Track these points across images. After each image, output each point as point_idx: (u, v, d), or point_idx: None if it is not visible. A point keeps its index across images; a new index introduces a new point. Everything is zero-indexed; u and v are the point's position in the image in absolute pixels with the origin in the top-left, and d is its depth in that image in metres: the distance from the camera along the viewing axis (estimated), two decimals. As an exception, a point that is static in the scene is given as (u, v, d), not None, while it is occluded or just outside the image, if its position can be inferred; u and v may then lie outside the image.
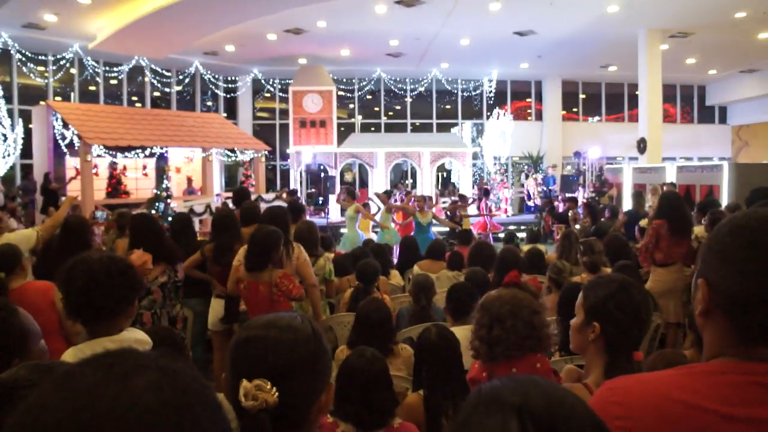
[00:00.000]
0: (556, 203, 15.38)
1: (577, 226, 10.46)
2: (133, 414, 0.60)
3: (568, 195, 15.88)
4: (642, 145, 17.22)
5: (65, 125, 14.97)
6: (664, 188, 11.25)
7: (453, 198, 15.48)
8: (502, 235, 12.08)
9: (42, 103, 16.74)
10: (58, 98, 18.44)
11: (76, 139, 14.77)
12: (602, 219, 10.73)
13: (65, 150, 15.32)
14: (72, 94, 19.00)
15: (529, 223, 17.05)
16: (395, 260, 7.68)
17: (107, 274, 2.33)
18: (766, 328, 1.06)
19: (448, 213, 12.67)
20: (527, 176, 21.18)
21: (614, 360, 2.00)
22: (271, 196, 16.15)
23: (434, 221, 10.56)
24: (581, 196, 16.77)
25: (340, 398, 2.48)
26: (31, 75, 17.64)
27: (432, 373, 2.95)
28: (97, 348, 2.22)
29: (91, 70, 18.71)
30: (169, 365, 0.67)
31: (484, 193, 14.82)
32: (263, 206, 6.21)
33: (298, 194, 15.92)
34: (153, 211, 12.72)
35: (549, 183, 20.39)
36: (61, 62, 17.99)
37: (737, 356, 1.08)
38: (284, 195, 14.72)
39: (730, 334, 1.10)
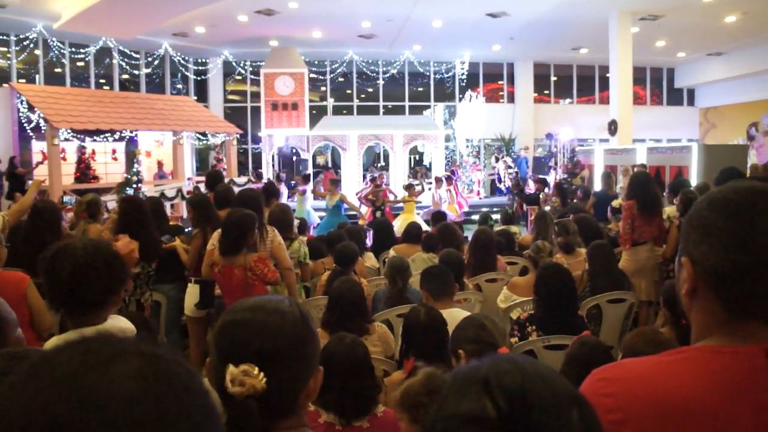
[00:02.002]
0: (526, 188, 15.48)
1: (548, 207, 10.56)
2: (114, 403, 0.55)
3: (538, 176, 16.00)
4: (613, 127, 17.38)
5: (30, 108, 14.61)
6: (635, 169, 11.38)
7: (426, 180, 15.54)
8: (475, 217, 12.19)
9: (5, 85, 16.30)
10: (22, 80, 17.98)
11: (42, 123, 14.43)
12: (574, 200, 10.84)
13: (31, 134, 14.97)
14: (37, 76, 18.51)
15: (500, 205, 17.15)
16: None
17: (93, 264, 2.23)
18: (752, 300, 1.05)
19: (370, 197, 12.84)
20: (497, 159, 21.28)
21: None
22: (243, 179, 16.01)
23: (345, 205, 11.31)
24: (553, 177, 16.89)
25: (320, 386, 2.46)
26: (-7, 56, 17.18)
27: (420, 353, 2.96)
28: None
29: (56, 52, 18.23)
30: (151, 351, 0.63)
31: (439, 180, 14.81)
32: (236, 190, 6.14)
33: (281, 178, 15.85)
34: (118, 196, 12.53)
35: (522, 165, 20.48)
36: (25, 43, 17.48)
37: (728, 335, 1.07)
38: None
39: (718, 312, 1.08)
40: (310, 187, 13.66)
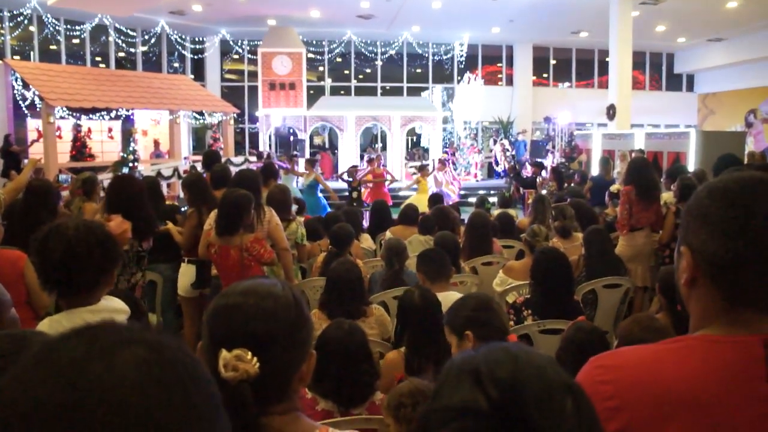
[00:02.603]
0: (524, 170, 15.49)
1: (544, 191, 10.56)
2: (120, 391, 0.56)
3: (535, 160, 15.99)
4: (611, 112, 17.34)
5: (25, 85, 14.48)
6: (633, 155, 11.36)
7: (423, 162, 15.58)
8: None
9: None
10: (17, 57, 17.81)
11: (37, 100, 14.31)
12: (572, 184, 10.84)
13: (26, 111, 14.86)
14: (31, 53, 18.34)
15: (497, 188, 17.16)
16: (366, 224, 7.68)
17: (85, 244, 2.22)
18: (751, 290, 1.05)
19: (345, 176, 13.30)
20: (495, 141, 21.25)
21: None
22: (240, 159, 15.96)
23: (320, 185, 11.68)
24: (551, 161, 16.88)
25: (318, 373, 2.38)
26: (-13, 32, 16.99)
27: (415, 335, 2.97)
28: (75, 319, 2.17)
29: (51, 28, 18.05)
30: (155, 339, 0.63)
31: (441, 162, 14.85)
32: (233, 170, 6.12)
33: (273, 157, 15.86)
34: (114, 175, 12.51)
35: (520, 149, 20.42)
36: (19, 19, 17.28)
37: (727, 325, 1.07)
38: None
39: (717, 301, 1.08)
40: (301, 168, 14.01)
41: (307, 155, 19.38)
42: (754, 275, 1.04)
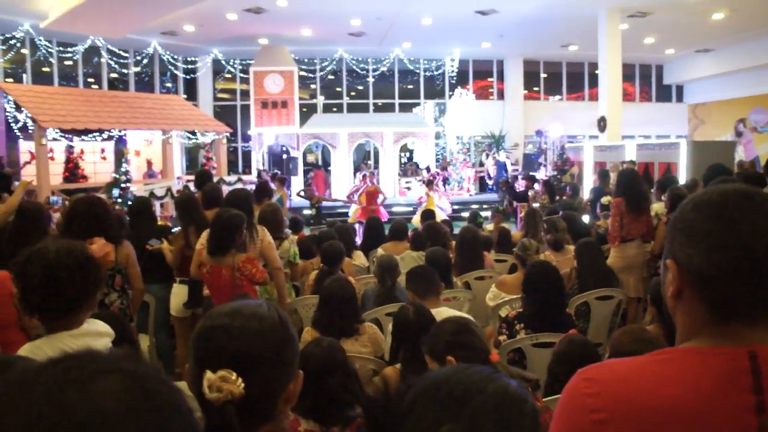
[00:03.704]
0: (516, 184, 15.54)
1: (536, 204, 10.59)
2: (95, 422, 0.54)
3: (527, 173, 16.04)
4: (602, 124, 17.44)
5: (18, 107, 14.48)
6: (624, 166, 11.43)
7: (416, 178, 15.69)
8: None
9: (-8, 85, 16.18)
10: (9, 80, 17.83)
11: (29, 122, 14.31)
12: (563, 197, 10.88)
13: (18, 134, 14.85)
14: (24, 75, 18.36)
15: (489, 202, 17.19)
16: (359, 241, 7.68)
17: (66, 268, 2.18)
18: (737, 302, 1.05)
19: (302, 194, 13.86)
20: (487, 156, 21.29)
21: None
22: (233, 178, 15.97)
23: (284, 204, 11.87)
24: (543, 174, 16.93)
25: (331, 404, 2.38)
26: (-21, 55, 17.00)
27: (410, 351, 2.96)
28: (56, 343, 2.15)
29: (44, 51, 18.09)
30: (133, 368, 0.61)
31: (428, 183, 14.96)
32: (225, 189, 6.12)
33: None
34: (107, 196, 12.50)
35: (500, 170, 20.28)
36: (11, 42, 17.33)
37: (712, 337, 1.07)
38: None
39: (702, 314, 1.08)
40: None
41: (301, 173, 19.46)
42: (739, 288, 1.04)
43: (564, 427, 1.10)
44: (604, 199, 8.28)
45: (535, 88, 25.37)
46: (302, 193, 13.99)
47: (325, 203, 15.91)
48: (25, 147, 15.47)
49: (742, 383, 1.01)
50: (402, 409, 0.78)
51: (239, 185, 13.78)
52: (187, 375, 1.26)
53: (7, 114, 14.81)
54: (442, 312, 3.62)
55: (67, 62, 19.45)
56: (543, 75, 25.30)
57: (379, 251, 6.25)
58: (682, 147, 12.92)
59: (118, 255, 4.13)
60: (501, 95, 24.85)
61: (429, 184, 14.55)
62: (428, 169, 16.38)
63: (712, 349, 1.06)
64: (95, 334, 2.29)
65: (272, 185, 12.69)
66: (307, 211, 13.68)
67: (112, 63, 19.96)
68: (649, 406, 1.02)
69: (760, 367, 1.01)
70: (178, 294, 5.02)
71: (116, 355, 0.63)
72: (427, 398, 0.79)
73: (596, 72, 18.83)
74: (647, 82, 26.25)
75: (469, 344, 2.48)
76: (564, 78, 25.37)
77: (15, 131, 14.79)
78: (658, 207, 6.50)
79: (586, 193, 12.91)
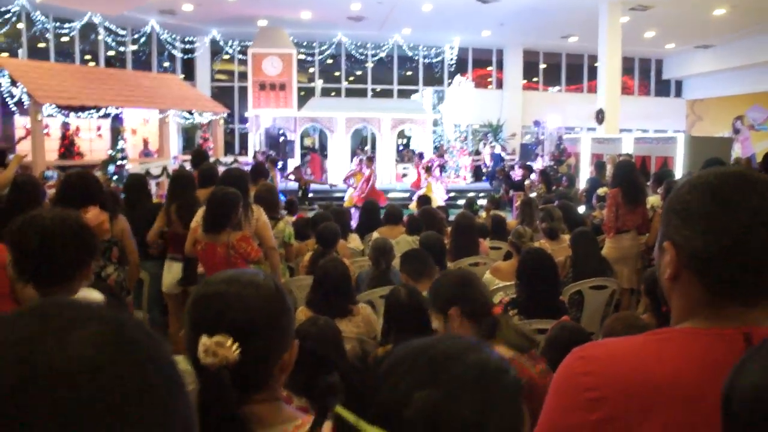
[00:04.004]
0: (513, 173, 15.55)
1: (533, 194, 10.61)
2: (73, 370, 0.52)
3: (524, 163, 16.05)
4: (600, 116, 17.43)
5: (13, 82, 14.36)
6: (621, 158, 11.44)
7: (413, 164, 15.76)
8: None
9: (-13, 58, 16.05)
10: (5, 54, 17.68)
11: (25, 98, 14.21)
12: (559, 187, 10.90)
13: (14, 109, 14.74)
14: (20, 50, 18.21)
15: (486, 190, 17.19)
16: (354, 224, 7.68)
17: (61, 235, 2.17)
18: (734, 283, 1.05)
19: (290, 176, 14.26)
20: (484, 145, 21.27)
21: None
22: (229, 159, 15.93)
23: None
24: (540, 164, 16.93)
25: (307, 380, 2.40)
26: (-27, 29, 16.81)
27: (401, 333, 2.96)
28: None
29: (40, 26, 17.93)
30: (113, 316, 0.59)
31: (428, 169, 15.03)
32: (221, 170, 6.10)
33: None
34: (102, 173, 12.46)
35: (496, 161, 20.16)
36: (6, 16, 17.15)
37: (708, 318, 1.08)
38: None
39: (700, 295, 1.08)
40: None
41: (298, 156, 19.41)
42: (737, 269, 1.04)
43: (558, 405, 1.10)
44: (601, 190, 8.28)
45: (534, 79, 25.33)
46: (291, 176, 14.08)
47: (313, 186, 16.12)
48: (21, 123, 15.36)
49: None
50: (379, 375, 0.77)
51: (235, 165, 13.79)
52: (183, 341, 1.26)
53: (2, 89, 14.70)
54: (435, 295, 3.63)
55: (63, 38, 19.27)
56: (542, 65, 25.26)
57: (375, 235, 6.25)
58: (680, 142, 12.93)
59: (114, 228, 4.14)
60: (500, 84, 24.80)
61: (428, 170, 14.56)
62: (421, 156, 16.36)
63: (707, 329, 1.06)
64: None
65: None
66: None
67: (109, 41, 19.80)
68: (645, 384, 1.03)
69: None
70: (170, 271, 5.01)
71: (97, 305, 0.61)
72: (405, 364, 0.79)
73: (596, 64, 18.79)
74: (646, 76, 26.24)
75: (472, 296, 2.45)
76: (563, 69, 25.33)
77: (10, 106, 14.68)
78: (654, 200, 6.52)
79: (582, 185, 12.92)
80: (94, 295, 2.35)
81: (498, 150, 20.22)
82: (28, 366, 0.52)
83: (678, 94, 26.48)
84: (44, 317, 0.57)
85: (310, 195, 15.15)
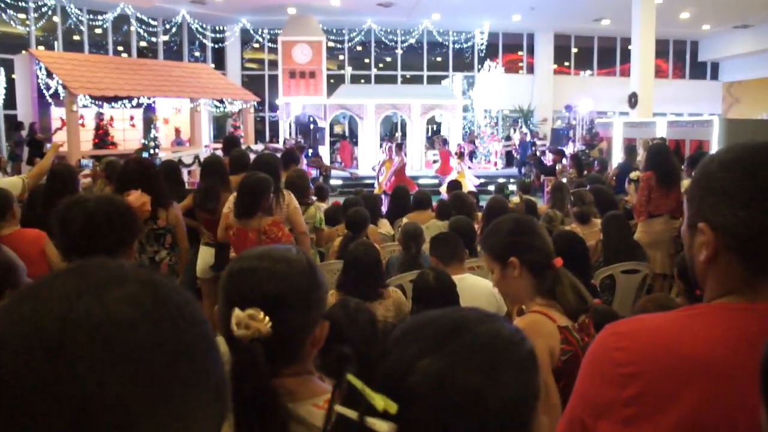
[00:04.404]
0: (544, 158, 15.41)
1: (564, 179, 10.50)
2: (109, 326, 0.54)
3: (555, 148, 15.87)
4: (633, 100, 17.15)
5: (49, 75, 14.66)
6: (653, 142, 11.26)
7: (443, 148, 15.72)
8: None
9: (24, 52, 16.35)
10: (41, 47, 18.02)
11: (61, 89, 14.49)
12: (591, 172, 10.77)
13: (50, 100, 15.04)
14: (55, 43, 18.55)
15: (516, 176, 17.06)
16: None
17: (105, 215, 2.25)
18: None
19: (311, 163, 14.42)
20: (515, 130, 21.09)
21: None
22: (260, 147, 16.06)
23: None
24: (571, 149, 16.74)
25: (323, 351, 2.41)
26: (12, 22, 17.13)
27: None
28: None
29: (74, 19, 18.24)
30: (149, 277, 0.61)
31: (460, 155, 15.02)
32: (252, 157, 6.16)
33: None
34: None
35: (526, 149, 19.77)
36: (43, 9, 17.49)
37: (744, 294, 1.06)
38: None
39: (737, 273, 1.06)
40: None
41: (327, 143, 19.50)
42: None
43: (591, 381, 1.10)
44: (633, 174, 8.17)
45: (566, 63, 25.01)
46: (312, 163, 14.23)
47: (341, 173, 16.26)
48: (57, 114, 15.66)
49: None
50: (388, 344, 0.79)
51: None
52: (217, 316, 1.29)
53: (38, 81, 15.00)
54: (466, 279, 3.63)
55: (97, 30, 19.56)
56: (574, 49, 24.91)
57: (404, 220, 6.26)
58: (715, 125, 12.66)
59: (169, 216, 4.33)
60: (530, 69, 24.52)
61: (461, 156, 14.53)
62: (445, 142, 16.25)
63: (742, 305, 1.05)
64: None
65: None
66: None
67: (141, 32, 20.05)
68: (679, 359, 1.02)
69: None
70: (203, 256, 5.08)
71: (132, 266, 0.63)
72: (413, 333, 0.79)
73: (628, 47, 18.47)
74: (681, 58, 25.70)
75: (531, 245, 2.20)
76: (595, 53, 24.95)
77: (47, 98, 14.98)
78: (688, 183, 6.39)
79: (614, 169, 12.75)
80: None
81: (528, 137, 19.98)
82: (67, 322, 0.54)
83: (714, 76, 25.89)
84: (82, 276, 0.59)
85: (338, 182, 15.26)
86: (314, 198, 6.09)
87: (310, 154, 15.61)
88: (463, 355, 0.76)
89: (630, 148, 10.72)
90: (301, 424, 1.24)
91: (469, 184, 13.02)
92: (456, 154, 14.76)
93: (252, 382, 1.16)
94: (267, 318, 1.18)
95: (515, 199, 7.92)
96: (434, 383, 0.74)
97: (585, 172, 10.65)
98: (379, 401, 0.71)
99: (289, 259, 1.32)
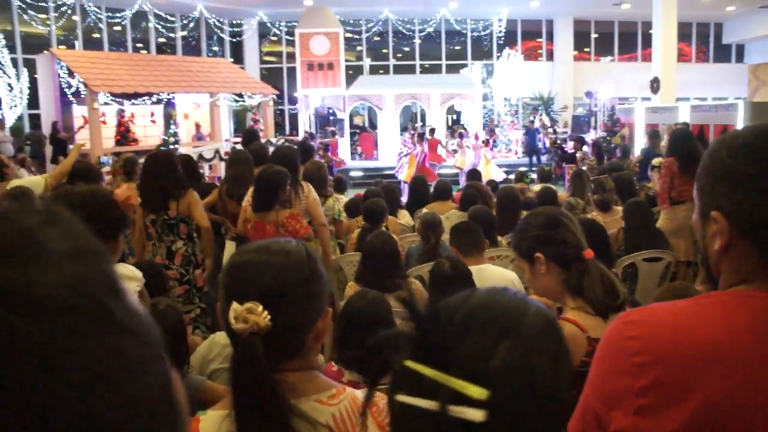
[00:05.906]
0: (565, 146, 15.30)
1: (585, 167, 10.39)
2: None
3: (576, 135, 15.72)
4: (655, 85, 16.92)
5: (70, 73, 14.82)
6: (676, 127, 11.10)
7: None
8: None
9: (46, 51, 16.55)
10: (62, 46, 18.23)
11: (82, 87, 14.65)
12: (612, 159, 10.64)
13: (72, 99, 15.21)
14: (76, 42, 18.76)
15: (536, 164, 16.94)
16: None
17: (87, 206, 2.27)
18: None
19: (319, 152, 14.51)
20: (534, 118, 20.95)
21: None
22: (280, 140, 16.13)
23: None
24: (592, 136, 16.57)
25: (341, 343, 2.40)
26: (33, 23, 17.35)
27: None
28: None
29: (93, 17, 18.42)
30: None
31: (486, 142, 14.99)
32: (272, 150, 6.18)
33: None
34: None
35: (534, 137, 19.11)
36: (63, 9, 17.68)
37: (760, 281, 1.04)
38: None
39: (753, 260, 1.04)
40: None
41: (347, 135, 19.53)
42: None
43: (605, 371, 1.08)
44: (656, 160, 8.04)
45: (586, 49, 24.74)
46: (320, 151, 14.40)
47: (361, 164, 16.31)
48: (79, 112, 15.83)
49: None
50: (454, 331, 0.77)
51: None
52: (219, 311, 1.30)
53: (60, 80, 15.17)
54: (486, 269, 3.61)
55: (116, 27, 19.76)
56: (594, 35, 24.63)
57: (424, 210, 6.23)
58: (740, 108, 12.42)
59: (180, 205, 4.41)
60: (550, 56, 24.31)
61: (486, 143, 14.52)
62: (461, 135, 16.16)
63: (758, 292, 1.03)
64: (123, 277, 2.34)
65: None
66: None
67: (159, 27, 20.21)
68: (694, 347, 1.00)
69: None
70: (230, 250, 5.11)
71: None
72: (480, 319, 0.79)
73: (650, 31, 18.19)
74: (705, 41, 25.30)
75: (561, 239, 2.11)
76: (616, 38, 24.65)
77: (68, 96, 15.16)
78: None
79: (636, 156, 12.59)
80: (126, 270, 2.42)
81: (537, 124, 19.66)
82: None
83: (739, 59, 25.45)
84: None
85: (359, 173, 15.28)
86: (331, 190, 6.09)
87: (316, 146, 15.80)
88: (535, 336, 0.78)
89: (653, 133, 10.55)
90: (305, 420, 1.23)
91: (494, 173, 12.96)
92: (483, 142, 14.76)
93: (252, 376, 1.16)
94: (265, 311, 1.18)
95: (536, 187, 7.85)
96: (515, 365, 0.75)
97: (606, 159, 10.52)
98: (474, 389, 0.71)
99: (287, 251, 1.31)
